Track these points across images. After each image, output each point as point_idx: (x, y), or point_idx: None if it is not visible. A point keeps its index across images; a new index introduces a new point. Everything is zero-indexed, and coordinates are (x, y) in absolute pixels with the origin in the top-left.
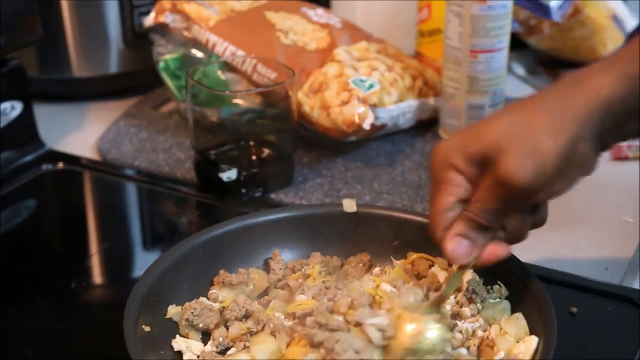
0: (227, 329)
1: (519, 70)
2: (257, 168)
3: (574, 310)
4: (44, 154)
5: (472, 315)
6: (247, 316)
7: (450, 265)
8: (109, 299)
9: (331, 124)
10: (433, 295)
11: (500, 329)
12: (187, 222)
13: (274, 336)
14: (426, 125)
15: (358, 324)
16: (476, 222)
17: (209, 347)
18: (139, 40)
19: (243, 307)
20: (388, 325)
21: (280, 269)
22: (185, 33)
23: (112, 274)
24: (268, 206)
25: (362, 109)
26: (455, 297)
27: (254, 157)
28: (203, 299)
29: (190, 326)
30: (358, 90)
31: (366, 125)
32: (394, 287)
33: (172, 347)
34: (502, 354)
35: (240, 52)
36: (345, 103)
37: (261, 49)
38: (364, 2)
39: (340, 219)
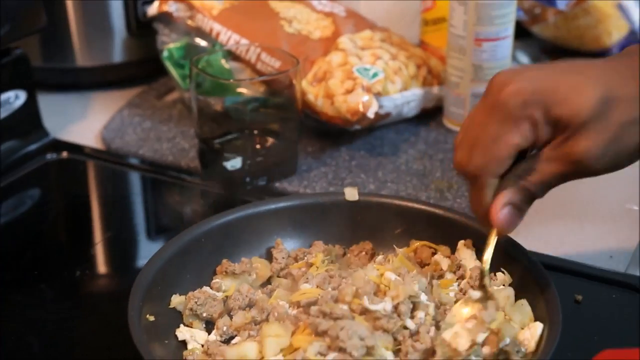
0: (231, 318)
1: (524, 59)
2: (261, 157)
3: (579, 298)
4: (48, 143)
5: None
6: (250, 305)
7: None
8: (113, 288)
9: (335, 112)
10: (471, 276)
11: (505, 315)
12: (191, 211)
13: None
14: (430, 114)
15: (363, 312)
16: (531, 192)
17: (213, 336)
18: (142, 29)
19: (246, 296)
20: (392, 312)
21: (283, 257)
22: (189, 22)
23: (117, 263)
24: (272, 195)
25: (366, 97)
26: (458, 285)
27: (258, 146)
28: (206, 289)
29: (194, 315)
30: (362, 79)
31: (370, 114)
32: (398, 275)
33: (176, 337)
34: (507, 341)
35: (244, 41)
36: (349, 92)
37: (265, 37)
38: None
39: (342, 207)
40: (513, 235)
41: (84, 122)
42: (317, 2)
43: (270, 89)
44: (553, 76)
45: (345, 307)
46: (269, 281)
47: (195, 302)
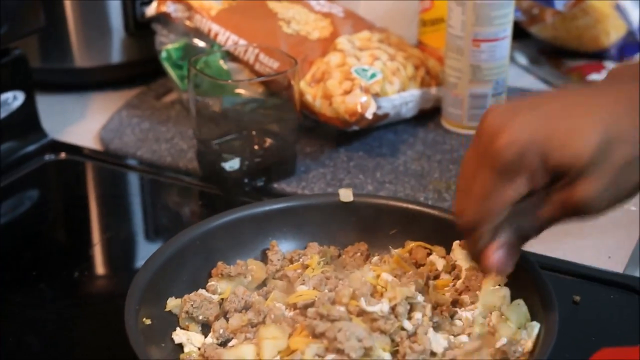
0: (227, 320)
1: (522, 59)
2: (259, 158)
3: (577, 298)
4: (46, 144)
5: (472, 303)
6: (246, 307)
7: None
8: (111, 288)
9: (333, 113)
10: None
11: (501, 315)
12: (189, 212)
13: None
14: (429, 114)
15: (360, 314)
16: (529, 236)
17: (210, 339)
18: (141, 30)
19: (242, 298)
20: (389, 313)
21: (278, 259)
22: (187, 22)
23: (115, 264)
24: (270, 196)
25: (364, 98)
26: (454, 285)
27: (256, 147)
28: (202, 291)
29: (190, 318)
30: (360, 80)
31: (368, 115)
32: (395, 276)
33: (172, 340)
34: (504, 340)
35: (242, 42)
36: (347, 92)
37: (263, 38)
38: None
39: (337, 208)
40: None
41: (82, 122)
42: (316, 2)
43: (269, 90)
44: (548, 120)
45: (342, 308)
46: (264, 283)
47: (191, 305)
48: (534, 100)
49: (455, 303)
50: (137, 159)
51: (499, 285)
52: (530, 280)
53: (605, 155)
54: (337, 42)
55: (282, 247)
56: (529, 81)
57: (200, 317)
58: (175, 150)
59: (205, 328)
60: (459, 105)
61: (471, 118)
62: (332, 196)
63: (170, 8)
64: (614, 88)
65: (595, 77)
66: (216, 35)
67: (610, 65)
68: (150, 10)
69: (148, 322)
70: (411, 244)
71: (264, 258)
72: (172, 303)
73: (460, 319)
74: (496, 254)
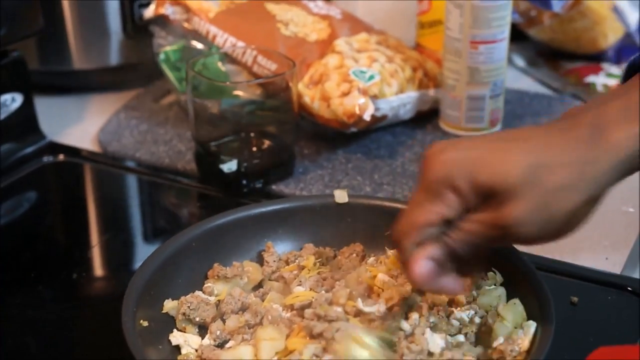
0: (224, 322)
1: (519, 61)
2: (257, 159)
3: (575, 300)
4: (44, 145)
5: (468, 303)
6: (243, 309)
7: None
8: (110, 290)
9: (332, 115)
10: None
11: (498, 315)
12: (187, 213)
13: (276, 329)
14: (426, 116)
15: (357, 314)
16: (454, 250)
17: (207, 340)
18: (139, 32)
19: (239, 300)
20: (386, 312)
21: (274, 261)
22: (186, 25)
23: (113, 265)
24: (268, 197)
25: (362, 100)
26: None
27: (254, 149)
28: (199, 293)
29: (187, 320)
30: (358, 82)
31: (367, 117)
32: (391, 276)
33: (170, 342)
34: (500, 340)
35: (240, 44)
36: (345, 94)
37: (261, 40)
38: None
39: (332, 210)
40: None
41: (80, 124)
42: (314, 4)
43: (267, 92)
44: (481, 145)
45: (339, 309)
46: (260, 285)
47: (188, 307)
48: (477, 137)
49: (451, 303)
50: (136, 160)
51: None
52: (526, 280)
53: (535, 179)
54: (335, 44)
55: (278, 249)
56: (526, 83)
57: (197, 319)
58: (173, 152)
59: (202, 330)
60: (456, 107)
61: (469, 120)
62: (327, 197)
63: (168, 10)
64: (557, 123)
65: (592, 79)
66: (214, 37)
67: (608, 67)
68: (149, 12)
69: (145, 323)
70: None
71: (260, 259)
72: (169, 305)
73: (456, 319)
74: (418, 266)
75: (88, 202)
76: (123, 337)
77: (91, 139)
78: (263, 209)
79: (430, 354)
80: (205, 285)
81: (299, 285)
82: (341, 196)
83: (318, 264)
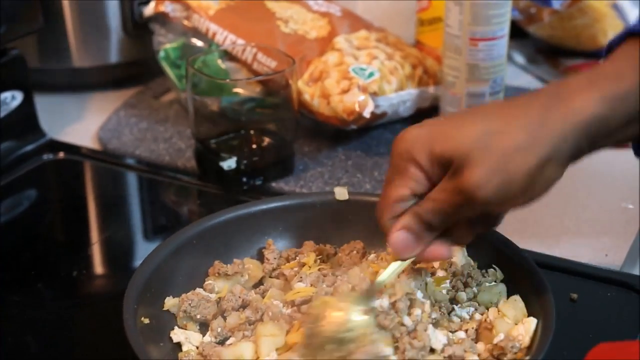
0: (225, 319)
1: (519, 58)
2: (257, 157)
3: (575, 296)
4: (44, 143)
5: (469, 299)
6: (243, 306)
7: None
8: (110, 288)
9: (331, 112)
10: (369, 286)
11: (499, 311)
12: (187, 211)
13: (277, 326)
14: (426, 113)
15: None
16: (425, 219)
17: (208, 337)
18: (139, 29)
19: (239, 297)
20: (389, 309)
21: (275, 258)
22: (185, 22)
23: (113, 263)
24: (268, 195)
25: (362, 97)
26: (450, 282)
27: (254, 146)
28: (199, 290)
29: (188, 317)
30: (358, 79)
31: (366, 114)
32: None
33: (171, 339)
34: (501, 336)
35: (240, 41)
36: (345, 91)
37: (261, 37)
38: None
39: (332, 207)
40: (507, 233)
41: (80, 122)
42: (313, 2)
43: (267, 89)
44: (441, 121)
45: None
46: (261, 282)
47: (189, 304)
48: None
49: (452, 300)
50: (136, 158)
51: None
52: (527, 276)
53: (488, 143)
54: (335, 41)
55: (279, 246)
56: (526, 80)
57: (198, 316)
58: (173, 150)
59: (203, 327)
60: (456, 104)
61: None
62: (327, 195)
63: (168, 8)
64: (509, 99)
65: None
66: (214, 34)
67: None
68: (148, 10)
69: (146, 321)
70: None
71: (260, 257)
72: (170, 302)
73: (457, 316)
74: (394, 236)
75: (88, 199)
76: (124, 334)
77: (91, 137)
78: (263, 207)
79: (432, 350)
80: (206, 283)
81: (300, 281)
82: (342, 193)
83: (318, 261)
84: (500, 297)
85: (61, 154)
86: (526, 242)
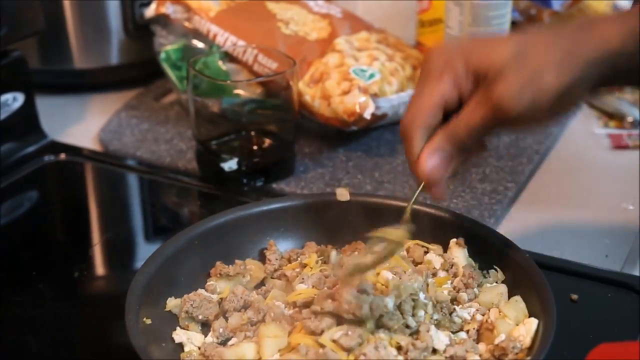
0: (226, 320)
1: None
2: (258, 158)
3: (575, 297)
4: (46, 145)
5: (470, 300)
6: (245, 307)
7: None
8: (111, 288)
9: (332, 113)
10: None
11: (500, 312)
12: (188, 212)
13: (279, 326)
14: None
15: None
16: (457, 135)
17: (210, 338)
18: (140, 31)
19: (241, 298)
20: (395, 310)
21: (276, 259)
22: (186, 24)
23: (115, 264)
24: (269, 196)
25: (363, 98)
26: (452, 283)
27: (255, 147)
28: (201, 291)
29: (190, 318)
30: (359, 80)
31: (367, 115)
32: (394, 274)
33: (173, 339)
34: (502, 337)
35: (241, 43)
36: (346, 93)
37: (262, 39)
38: None
39: (334, 208)
40: (508, 233)
41: (81, 124)
42: (314, 3)
43: (267, 90)
44: (476, 39)
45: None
46: (262, 283)
47: (191, 305)
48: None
49: (454, 300)
50: (137, 159)
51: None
52: (528, 277)
53: (521, 58)
54: (335, 42)
55: (280, 247)
56: None
57: (200, 317)
58: (174, 151)
59: (205, 327)
60: None
61: None
62: (328, 196)
63: (169, 9)
64: (545, 27)
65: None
66: (215, 36)
67: None
68: (149, 11)
69: (148, 321)
70: (408, 243)
71: (262, 258)
72: (172, 303)
73: (458, 316)
74: (429, 159)
75: (89, 200)
76: (126, 335)
77: (92, 138)
78: (265, 208)
79: (434, 351)
80: (208, 284)
81: (302, 282)
82: (343, 194)
83: (320, 262)
84: (501, 297)
85: (62, 156)
86: (527, 242)
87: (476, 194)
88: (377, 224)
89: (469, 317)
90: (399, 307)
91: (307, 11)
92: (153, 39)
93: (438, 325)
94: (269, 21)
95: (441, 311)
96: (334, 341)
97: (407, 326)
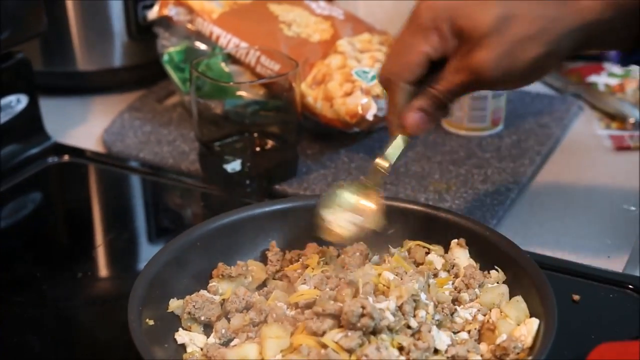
0: (229, 321)
1: None
2: (261, 159)
3: (577, 297)
4: (49, 146)
5: (471, 300)
6: (247, 307)
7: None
8: (114, 289)
9: (334, 115)
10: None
11: (501, 312)
12: (191, 213)
13: (281, 327)
14: None
15: None
16: (439, 99)
17: (212, 339)
18: (143, 33)
19: (243, 298)
20: (396, 311)
21: (278, 260)
22: (189, 26)
23: (118, 265)
24: (272, 197)
25: (365, 100)
26: (453, 283)
27: (257, 149)
28: (203, 292)
29: (193, 319)
30: (361, 82)
31: (369, 116)
32: (396, 274)
33: (175, 340)
34: (503, 337)
35: (243, 44)
36: (348, 94)
37: (264, 41)
38: None
39: None
40: (510, 234)
41: (85, 125)
42: (316, 5)
43: (270, 92)
44: None
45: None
46: (264, 284)
47: (193, 306)
48: None
49: (455, 301)
50: (140, 161)
51: None
52: (529, 277)
53: (502, 28)
54: (337, 44)
55: (282, 248)
56: None
57: (202, 318)
58: (177, 152)
59: (208, 328)
60: (459, 106)
61: (471, 119)
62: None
63: (172, 11)
64: None
65: (594, 78)
66: (218, 38)
67: (609, 67)
68: (152, 13)
69: (151, 322)
70: (409, 243)
71: (263, 259)
72: (175, 304)
73: (459, 317)
74: (413, 114)
75: (92, 202)
76: (129, 336)
77: (95, 140)
78: (266, 209)
79: (436, 351)
80: (210, 285)
81: (304, 283)
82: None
83: (322, 263)
84: (502, 298)
85: (66, 157)
86: (529, 243)
87: (478, 195)
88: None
89: (470, 318)
90: (400, 307)
91: (310, 13)
92: (156, 41)
93: (439, 325)
94: (272, 23)
95: (442, 311)
96: (335, 342)
97: (409, 327)
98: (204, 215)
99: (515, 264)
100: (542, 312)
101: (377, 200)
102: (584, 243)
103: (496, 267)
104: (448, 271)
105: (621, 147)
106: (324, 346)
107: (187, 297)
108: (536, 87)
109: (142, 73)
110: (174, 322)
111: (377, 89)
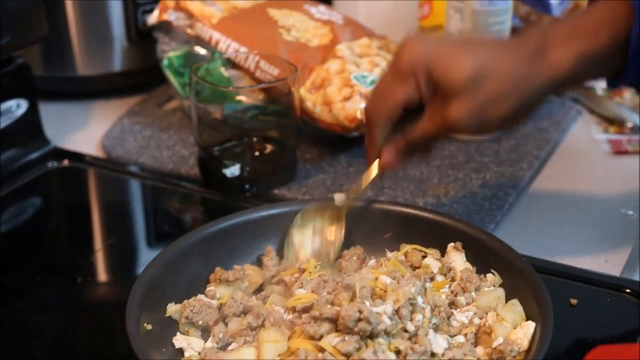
0: (226, 325)
1: None
2: (260, 164)
3: (574, 301)
4: (49, 151)
5: (467, 304)
6: (245, 312)
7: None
8: (113, 294)
9: (333, 119)
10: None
11: (497, 315)
12: (191, 218)
13: (279, 331)
14: None
15: None
16: (415, 144)
17: (210, 343)
18: (142, 38)
19: (241, 303)
20: (393, 315)
21: (274, 265)
22: (189, 30)
23: (117, 270)
24: (271, 202)
25: (364, 104)
26: (449, 287)
27: (257, 153)
28: (201, 296)
29: (190, 323)
30: (360, 86)
31: None
32: (393, 278)
33: (173, 345)
34: (500, 340)
35: (243, 49)
36: (347, 99)
37: (264, 45)
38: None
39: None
40: (508, 238)
41: (84, 130)
42: (315, 10)
43: (269, 97)
44: (445, 45)
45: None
46: (261, 288)
47: (191, 310)
48: (447, 36)
49: (451, 304)
50: (139, 165)
51: None
52: (525, 280)
53: (474, 87)
54: (336, 49)
55: (278, 253)
56: None
57: (200, 322)
58: (176, 157)
59: (205, 333)
60: None
61: None
62: (327, 201)
63: (171, 16)
64: (512, 37)
65: (592, 83)
66: (217, 43)
67: None
68: (152, 18)
69: (149, 327)
70: (406, 247)
71: (260, 263)
72: (172, 308)
73: (456, 320)
74: (389, 155)
75: (92, 207)
76: (127, 340)
77: (95, 145)
78: (264, 213)
79: (432, 354)
80: (208, 289)
81: (301, 287)
82: (341, 199)
83: (318, 266)
84: (498, 301)
85: (65, 162)
86: (527, 247)
87: (477, 199)
88: (377, 229)
89: (466, 321)
90: (397, 311)
91: (309, 18)
92: (156, 45)
93: (436, 329)
94: (271, 28)
95: (439, 315)
96: (332, 346)
97: (406, 330)
98: (203, 220)
99: (511, 267)
100: (539, 315)
101: (340, 231)
102: (582, 247)
103: (492, 271)
104: (444, 275)
105: (619, 151)
106: (322, 350)
107: (185, 301)
108: None
109: (142, 78)
110: (172, 326)
111: None
